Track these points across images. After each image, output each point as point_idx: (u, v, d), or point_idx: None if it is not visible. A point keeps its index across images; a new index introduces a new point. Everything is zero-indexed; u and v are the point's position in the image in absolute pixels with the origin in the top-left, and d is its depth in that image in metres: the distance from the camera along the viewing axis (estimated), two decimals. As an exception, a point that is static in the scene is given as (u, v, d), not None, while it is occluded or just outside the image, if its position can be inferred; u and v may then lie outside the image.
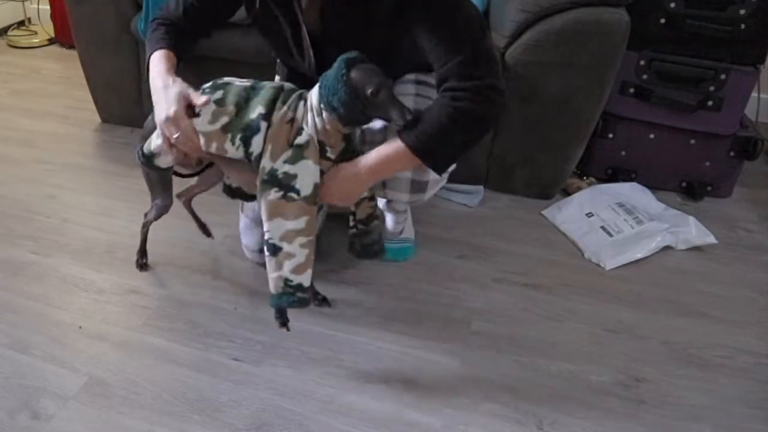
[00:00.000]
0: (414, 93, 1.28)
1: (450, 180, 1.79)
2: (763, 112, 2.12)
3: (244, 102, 1.11)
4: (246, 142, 1.11)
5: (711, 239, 1.62)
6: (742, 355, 1.30)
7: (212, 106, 1.11)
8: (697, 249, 1.62)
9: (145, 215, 1.42)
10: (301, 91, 1.14)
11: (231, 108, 1.11)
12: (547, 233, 1.68)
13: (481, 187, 1.84)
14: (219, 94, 1.12)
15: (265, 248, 1.14)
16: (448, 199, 1.79)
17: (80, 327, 1.33)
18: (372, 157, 1.11)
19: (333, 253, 1.56)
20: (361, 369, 1.24)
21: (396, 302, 1.42)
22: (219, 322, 1.35)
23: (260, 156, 1.11)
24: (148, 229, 1.46)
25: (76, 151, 2.05)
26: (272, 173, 1.09)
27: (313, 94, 1.09)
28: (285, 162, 1.09)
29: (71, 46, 2.90)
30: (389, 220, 1.49)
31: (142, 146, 1.21)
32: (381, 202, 1.47)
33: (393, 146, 1.09)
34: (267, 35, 1.29)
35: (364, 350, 1.29)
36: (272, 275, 1.14)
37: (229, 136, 1.11)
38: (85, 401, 1.16)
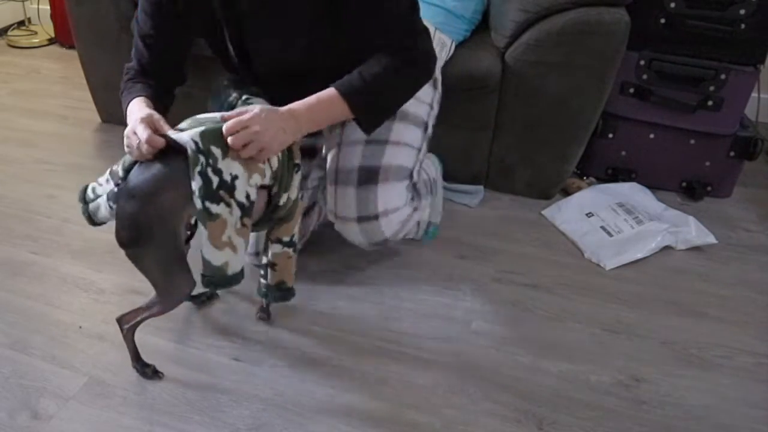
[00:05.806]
0: (361, 154, 1.30)
1: (450, 180, 1.81)
2: (763, 112, 2.12)
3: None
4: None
5: (711, 239, 1.62)
6: (742, 355, 1.30)
7: (261, 165, 1.07)
8: (697, 249, 1.62)
9: (127, 322, 1.13)
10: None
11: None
12: (547, 233, 1.68)
13: (481, 187, 1.84)
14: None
15: (290, 249, 1.24)
16: (449, 199, 1.79)
17: (80, 327, 1.33)
18: (308, 99, 1.15)
19: (334, 252, 1.56)
20: (361, 369, 1.24)
21: (396, 302, 1.42)
22: (219, 322, 1.35)
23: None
24: (134, 333, 1.16)
25: (76, 151, 2.05)
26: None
27: None
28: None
29: (71, 46, 2.90)
30: None
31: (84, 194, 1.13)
32: None
33: (327, 91, 1.16)
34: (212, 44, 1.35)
35: (364, 350, 1.29)
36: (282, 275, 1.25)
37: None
38: (85, 401, 1.16)
